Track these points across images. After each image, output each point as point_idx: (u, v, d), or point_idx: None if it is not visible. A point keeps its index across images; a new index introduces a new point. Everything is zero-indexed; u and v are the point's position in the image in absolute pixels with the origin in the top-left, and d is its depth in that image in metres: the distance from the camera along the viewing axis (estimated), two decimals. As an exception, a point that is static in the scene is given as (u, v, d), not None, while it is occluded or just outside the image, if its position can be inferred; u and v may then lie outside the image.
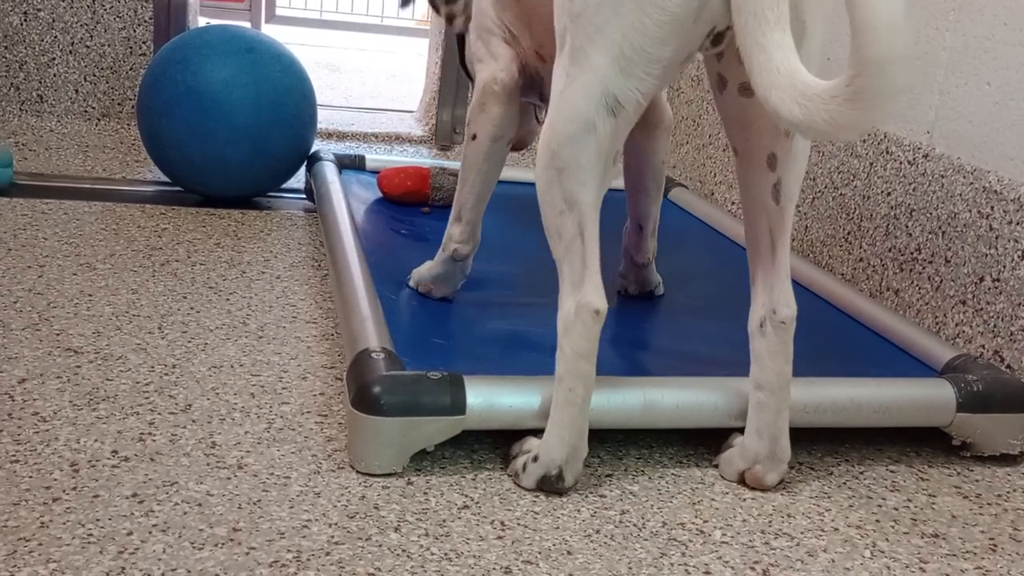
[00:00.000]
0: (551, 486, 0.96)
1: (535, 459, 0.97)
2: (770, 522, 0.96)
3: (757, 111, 0.92)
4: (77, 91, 2.26)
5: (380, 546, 0.85)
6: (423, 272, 1.31)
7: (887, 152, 1.51)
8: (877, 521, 0.98)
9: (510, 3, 1.21)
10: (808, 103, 0.76)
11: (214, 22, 2.18)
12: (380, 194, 1.75)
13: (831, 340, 1.27)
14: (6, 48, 2.22)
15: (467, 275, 1.30)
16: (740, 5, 0.80)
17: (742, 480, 1.02)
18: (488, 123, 1.22)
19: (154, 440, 0.98)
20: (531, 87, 1.27)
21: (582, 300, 0.92)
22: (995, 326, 1.28)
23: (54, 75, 2.24)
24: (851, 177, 1.59)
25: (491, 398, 0.98)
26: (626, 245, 1.38)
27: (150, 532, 0.84)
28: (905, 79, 0.71)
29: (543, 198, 0.94)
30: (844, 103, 0.74)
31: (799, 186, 0.96)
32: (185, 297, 1.34)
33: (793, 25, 0.80)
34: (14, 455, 0.93)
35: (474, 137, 1.24)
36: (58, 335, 1.19)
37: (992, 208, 1.30)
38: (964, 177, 1.35)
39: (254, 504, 0.89)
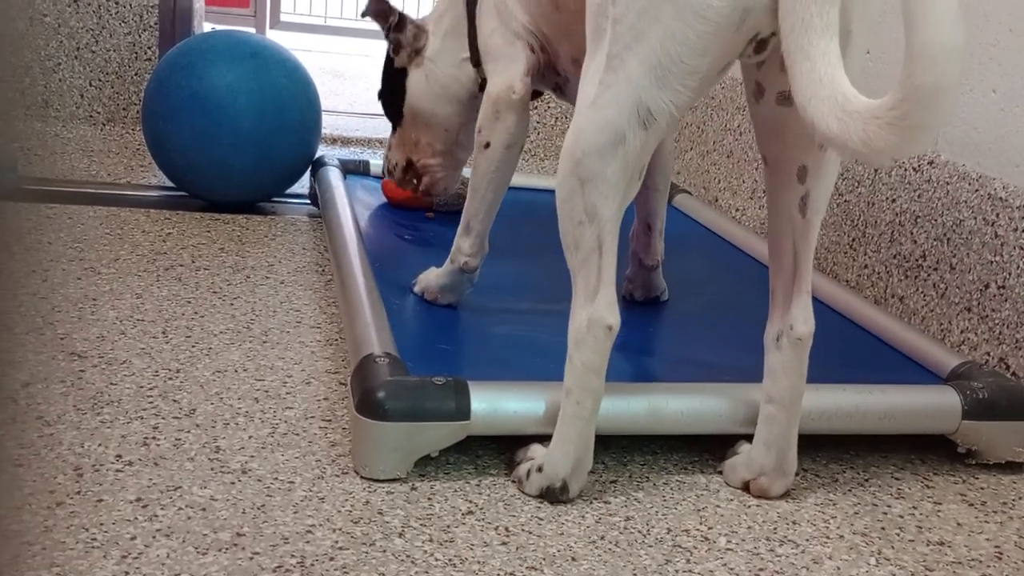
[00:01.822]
0: (555, 497, 0.96)
1: (539, 469, 0.96)
2: (775, 529, 0.95)
3: (793, 121, 0.90)
4: (82, 96, 2.27)
5: (384, 551, 0.85)
6: (430, 280, 1.30)
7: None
8: (882, 528, 0.98)
9: (548, 11, 1.19)
10: (847, 119, 0.74)
11: (219, 28, 2.18)
12: (384, 199, 1.75)
13: (836, 347, 1.27)
14: (11, 53, 2.22)
15: (474, 284, 1.30)
16: (788, 9, 0.78)
17: (746, 488, 1.01)
18: (503, 132, 1.21)
19: (158, 444, 0.98)
20: (543, 79, 1.25)
21: (595, 315, 0.91)
22: (1000, 333, 1.27)
23: (59, 80, 2.25)
24: (856, 184, 1.59)
25: (496, 404, 0.98)
26: (634, 248, 1.38)
27: (154, 537, 0.84)
28: (949, 110, 0.69)
29: (562, 207, 0.92)
30: (885, 126, 0.71)
31: (827, 201, 0.94)
32: (189, 302, 1.34)
33: (839, 33, 0.78)
34: (17, 459, 0.93)
35: (487, 146, 1.22)
36: (62, 339, 1.19)
37: (997, 215, 1.30)
38: (969, 184, 1.35)
39: (258, 509, 0.89)
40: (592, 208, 0.89)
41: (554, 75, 1.25)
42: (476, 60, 1.32)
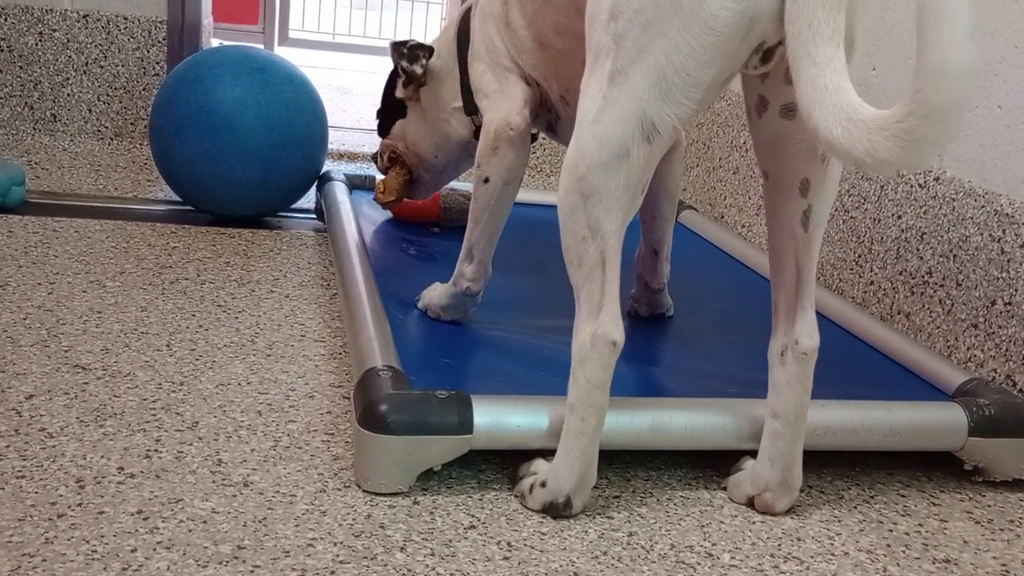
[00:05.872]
0: (558, 512, 0.95)
1: (543, 484, 0.96)
2: (779, 545, 0.95)
3: (796, 134, 0.90)
4: (90, 111, 2.28)
5: (385, 565, 0.85)
6: (433, 298, 1.30)
7: (898, 175, 1.51)
8: (888, 546, 0.97)
9: (532, 49, 1.18)
10: (852, 128, 0.73)
11: (227, 44, 2.19)
12: (390, 214, 1.75)
13: (842, 363, 1.27)
14: (21, 68, 2.24)
15: (477, 303, 1.29)
16: (795, 14, 0.78)
17: (751, 504, 1.01)
18: (502, 168, 1.20)
19: (160, 457, 0.98)
20: (537, 117, 1.25)
21: (599, 331, 0.90)
22: (1007, 350, 1.27)
23: (68, 95, 2.26)
24: (862, 200, 1.59)
25: (498, 418, 0.98)
26: (640, 271, 1.38)
27: (154, 549, 0.83)
28: (958, 128, 0.69)
29: (565, 222, 0.91)
30: (891, 138, 0.71)
31: (828, 214, 0.94)
32: (194, 315, 1.34)
33: (844, 43, 0.77)
34: (20, 471, 0.93)
35: (486, 180, 1.21)
36: (66, 352, 1.19)
37: (1004, 231, 1.29)
38: (975, 200, 1.35)
39: (259, 522, 0.89)
40: (595, 223, 0.89)
41: (546, 112, 1.24)
42: (470, 110, 1.32)
